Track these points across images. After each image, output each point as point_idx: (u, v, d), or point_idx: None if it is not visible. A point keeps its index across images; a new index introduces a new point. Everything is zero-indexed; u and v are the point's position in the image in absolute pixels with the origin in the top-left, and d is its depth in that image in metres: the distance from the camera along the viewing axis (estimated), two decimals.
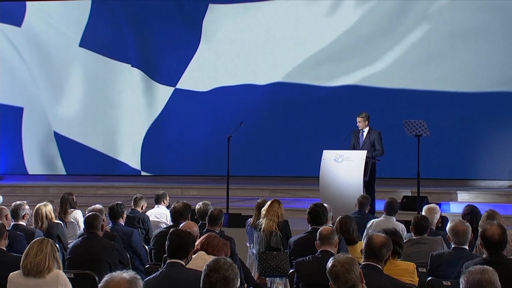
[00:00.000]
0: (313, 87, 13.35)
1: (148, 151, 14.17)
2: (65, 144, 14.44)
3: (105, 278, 3.08)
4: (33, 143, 14.63)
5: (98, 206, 7.18)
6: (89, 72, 14.44)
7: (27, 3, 14.69)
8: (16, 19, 14.69)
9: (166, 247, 4.35)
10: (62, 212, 7.64)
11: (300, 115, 13.40)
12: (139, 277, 3.14)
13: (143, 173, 14.20)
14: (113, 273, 3.11)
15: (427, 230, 5.87)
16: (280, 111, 13.52)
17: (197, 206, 6.95)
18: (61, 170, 14.51)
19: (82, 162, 14.34)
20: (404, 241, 5.33)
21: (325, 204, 7.03)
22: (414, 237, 5.83)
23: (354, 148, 9.94)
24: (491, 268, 3.36)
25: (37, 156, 14.64)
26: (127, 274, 3.10)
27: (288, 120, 13.49)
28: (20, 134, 14.69)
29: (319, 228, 5.22)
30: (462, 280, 3.33)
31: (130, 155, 14.28)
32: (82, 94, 14.47)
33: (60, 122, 14.52)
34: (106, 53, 14.34)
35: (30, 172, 14.60)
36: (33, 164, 14.65)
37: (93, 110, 14.42)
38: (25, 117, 14.66)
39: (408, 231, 6.47)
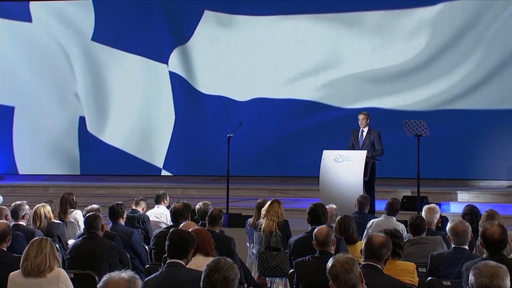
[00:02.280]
0: (326, 106, 13.32)
1: (171, 151, 14.11)
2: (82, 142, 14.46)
3: (104, 278, 3.07)
4: (34, 143, 14.60)
5: (94, 206, 7.25)
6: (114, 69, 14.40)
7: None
8: (24, 15, 14.62)
9: (166, 247, 4.33)
10: (62, 212, 7.64)
11: (302, 116, 13.40)
12: (138, 277, 3.13)
13: (144, 174, 14.19)
14: (112, 273, 3.09)
15: (424, 229, 5.86)
16: (282, 113, 13.52)
17: (197, 206, 6.95)
18: (76, 170, 14.46)
19: (104, 161, 14.30)
20: (404, 241, 5.32)
21: (333, 206, 7.03)
22: (413, 238, 5.82)
23: (353, 148, 9.93)
24: (502, 267, 3.29)
25: (49, 155, 14.56)
26: (126, 274, 3.08)
27: (289, 120, 13.49)
28: (11, 134, 14.67)
29: None
30: (470, 276, 3.28)
31: (153, 155, 14.23)
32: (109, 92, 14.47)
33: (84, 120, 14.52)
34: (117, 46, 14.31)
35: (31, 172, 14.58)
36: (44, 164, 14.58)
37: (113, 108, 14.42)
38: (16, 116, 14.60)
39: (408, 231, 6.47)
